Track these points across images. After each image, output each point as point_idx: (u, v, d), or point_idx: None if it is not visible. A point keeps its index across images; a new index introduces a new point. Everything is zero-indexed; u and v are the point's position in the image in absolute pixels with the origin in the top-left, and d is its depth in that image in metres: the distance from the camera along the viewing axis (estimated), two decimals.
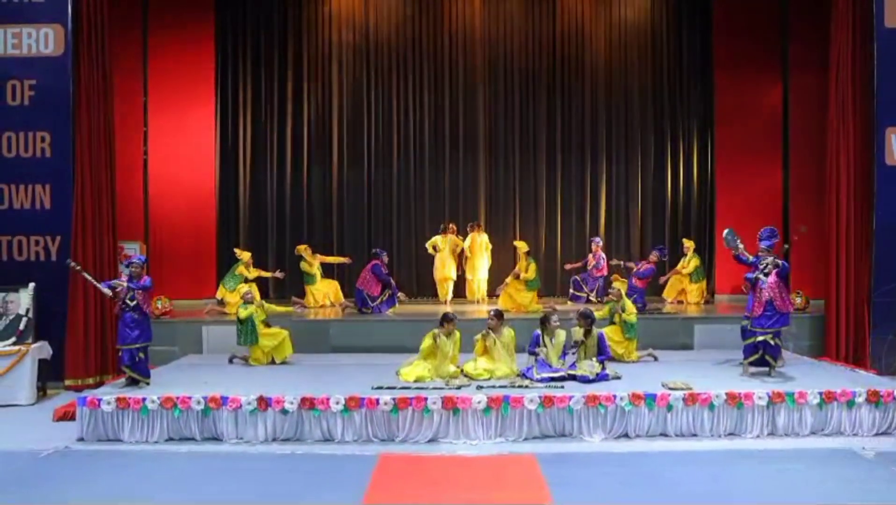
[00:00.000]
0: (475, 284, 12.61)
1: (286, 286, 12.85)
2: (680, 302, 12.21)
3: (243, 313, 8.89)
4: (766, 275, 7.87)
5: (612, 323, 8.94)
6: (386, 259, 11.51)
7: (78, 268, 7.99)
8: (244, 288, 9.77)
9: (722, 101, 12.99)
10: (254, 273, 11.43)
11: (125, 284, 7.60)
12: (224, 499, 5.54)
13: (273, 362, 8.95)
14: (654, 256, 11.47)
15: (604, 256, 12.33)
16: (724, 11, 12.93)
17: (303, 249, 11.99)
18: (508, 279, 11.36)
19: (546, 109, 13.66)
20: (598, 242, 12.45)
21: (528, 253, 11.40)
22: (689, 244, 12.34)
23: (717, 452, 6.69)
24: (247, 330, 8.89)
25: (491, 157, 13.68)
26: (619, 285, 9.40)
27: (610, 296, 9.29)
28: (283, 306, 9.96)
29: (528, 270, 11.20)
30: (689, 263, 12.18)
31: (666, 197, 13.69)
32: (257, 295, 9.91)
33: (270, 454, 6.61)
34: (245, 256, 11.50)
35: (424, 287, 12.95)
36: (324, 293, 12.06)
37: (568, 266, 12.63)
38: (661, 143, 13.69)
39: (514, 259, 12.65)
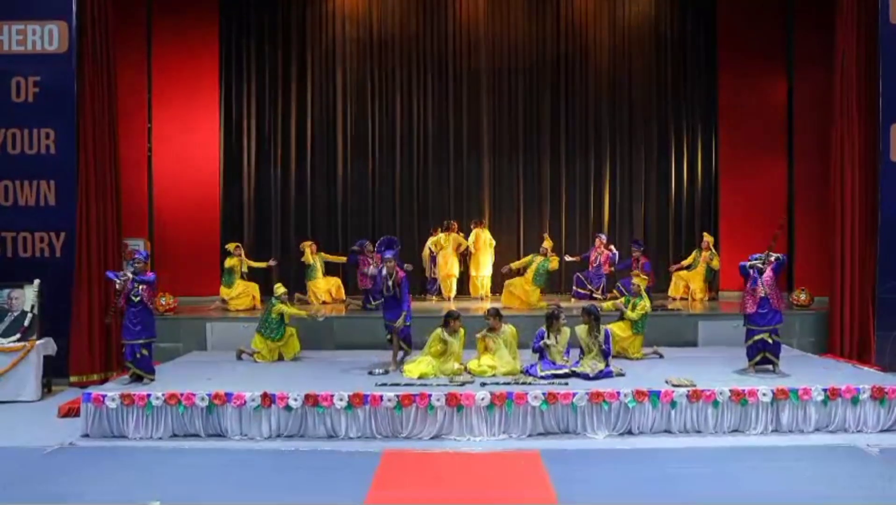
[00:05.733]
0: (479, 281, 12.61)
1: (290, 283, 12.84)
2: (684, 298, 12.19)
3: (292, 311, 9.02)
4: (762, 272, 7.85)
5: (621, 319, 8.93)
6: (370, 247, 11.25)
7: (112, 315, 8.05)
8: (280, 290, 9.75)
9: (726, 97, 12.95)
10: (244, 264, 11.35)
11: (128, 276, 7.55)
12: (228, 495, 5.55)
13: (281, 359, 8.99)
14: (638, 254, 11.47)
15: (608, 252, 12.31)
16: (729, 7, 12.88)
17: (307, 245, 12.04)
18: (517, 266, 11.43)
19: (550, 106, 13.63)
20: (603, 238, 12.40)
21: (552, 249, 11.51)
22: (709, 239, 12.19)
23: (721, 448, 6.69)
24: (274, 325, 8.95)
25: (495, 154, 13.65)
26: (640, 282, 9.39)
27: (632, 290, 9.25)
28: (300, 309, 9.95)
29: (551, 260, 11.25)
30: (714, 258, 12.09)
31: (670, 193, 13.66)
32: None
33: (274, 451, 6.63)
34: (230, 246, 11.51)
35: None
36: (325, 290, 12.09)
37: (568, 257, 12.53)
38: (665, 139, 13.65)
39: (517, 256, 12.64)
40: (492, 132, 13.62)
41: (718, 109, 13.12)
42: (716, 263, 12.06)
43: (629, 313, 8.82)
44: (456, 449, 6.71)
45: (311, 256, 12.00)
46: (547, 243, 11.48)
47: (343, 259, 12.17)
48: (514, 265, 11.57)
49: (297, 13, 13.41)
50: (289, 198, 13.42)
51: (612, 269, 12.15)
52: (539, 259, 11.29)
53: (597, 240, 12.42)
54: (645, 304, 8.96)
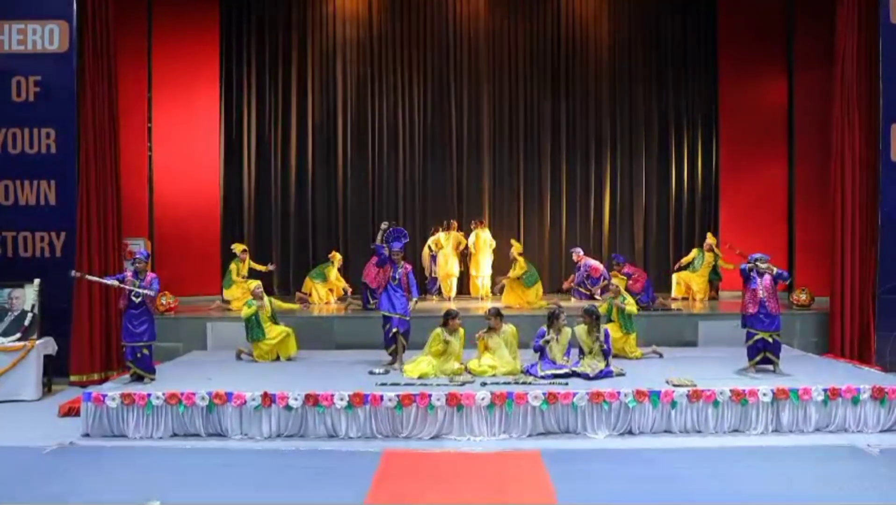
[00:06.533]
0: (479, 281, 12.63)
1: (290, 282, 12.87)
2: (685, 298, 12.18)
3: (246, 313, 8.94)
4: (761, 274, 7.85)
5: (610, 321, 8.92)
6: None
7: (79, 275, 7.97)
8: (253, 284, 9.80)
9: (726, 96, 12.97)
10: (245, 268, 11.40)
11: (136, 283, 7.55)
12: (228, 495, 5.55)
13: (278, 359, 8.99)
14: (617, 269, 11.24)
15: (589, 261, 12.31)
16: (729, 6, 12.89)
17: (338, 260, 12.12)
18: (505, 279, 11.41)
19: (550, 105, 13.65)
20: (579, 252, 12.46)
21: (520, 254, 11.42)
22: (712, 240, 12.19)
23: (722, 448, 6.69)
24: (252, 326, 8.95)
25: (495, 154, 13.68)
26: (618, 282, 9.39)
27: (609, 292, 9.27)
28: (287, 303, 9.96)
29: (515, 268, 11.21)
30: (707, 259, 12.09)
31: (670, 193, 13.68)
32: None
33: (274, 450, 6.63)
34: (238, 247, 11.54)
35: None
36: (326, 289, 12.10)
37: (565, 286, 12.59)
38: (665, 138, 13.67)
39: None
40: (492, 132, 13.64)
41: (719, 109, 13.15)
42: (721, 262, 12.01)
43: (629, 308, 8.81)
44: (456, 449, 6.71)
45: (335, 270, 12.05)
46: (514, 249, 11.46)
47: (348, 288, 12.19)
48: (505, 280, 11.53)
49: (297, 13, 13.42)
50: (289, 197, 13.44)
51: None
52: (517, 267, 11.29)
53: (574, 255, 12.42)
54: (630, 302, 8.94)
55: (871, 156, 9.59)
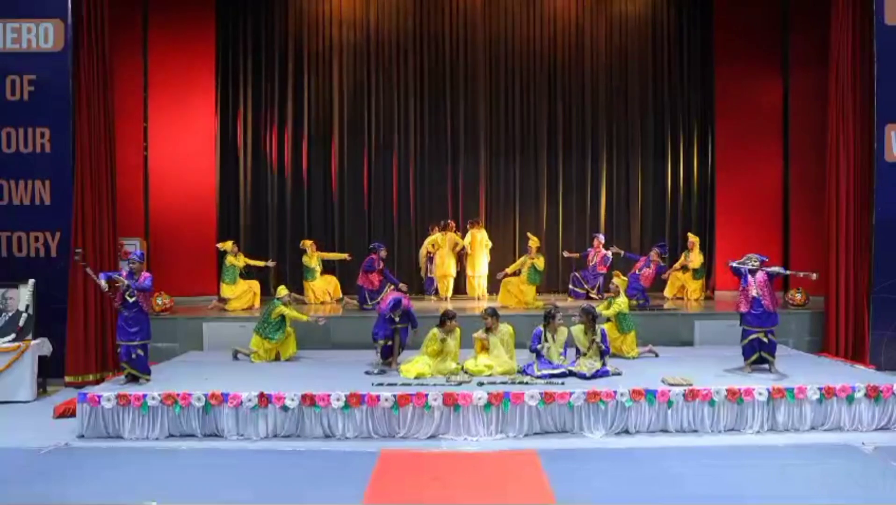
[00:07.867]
0: (475, 281, 12.62)
1: (287, 284, 12.84)
2: (679, 298, 12.22)
3: (291, 314, 8.97)
4: (752, 272, 7.87)
5: (608, 320, 8.92)
6: (383, 253, 11.45)
7: (80, 259, 8.00)
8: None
9: (722, 96, 12.98)
10: (241, 261, 11.42)
11: (125, 283, 7.53)
12: (225, 496, 5.55)
13: (278, 359, 8.97)
14: (655, 255, 11.33)
15: (604, 252, 12.31)
16: (725, 7, 12.92)
17: (308, 245, 12.07)
18: (512, 269, 11.44)
19: (546, 106, 13.65)
20: (601, 238, 12.41)
21: (538, 248, 11.53)
22: (694, 239, 12.29)
23: (718, 447, 6.71)
24: (277, 326, 8.92)
25: (491, 154, 13.66)
26: (619, 282, 9.40)
27: (610, 292, 9.29)
28: (303, 314, 9.90)
29: (537, 258, 11.33)
30: (696, 258, 12.13)
31: (666, 193, 13.69)
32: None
33: (271, 451, 6.62)
34: (227, 245, 11.51)
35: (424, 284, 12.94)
36: (323, 289, 12.10)
37: (566, 253, 12.62)
38: (661, 138, 13.69)
39: (513, 255, 12.68)
40: (488, 132, 13.63)
41: (715, 109, 13.15)
42: (695, 263, 12.10)
43: (604, 311, 8.83)
44: (453, 449, 6.72)
45: (312, 255, 12.02)
46: (532, 243, 11.52)
47: (342, 256, 12.26)
48: (510, 269, 11.58)
49: (293, 14, 13.39)
50: (285, 197, 13.41)
51: (608, 269, 12.17)
52: (530, 261, 11.33)
53: (595, 240, 12.43)
54: (621, 302, 8.94)
55: (866, 156, 9.63)
